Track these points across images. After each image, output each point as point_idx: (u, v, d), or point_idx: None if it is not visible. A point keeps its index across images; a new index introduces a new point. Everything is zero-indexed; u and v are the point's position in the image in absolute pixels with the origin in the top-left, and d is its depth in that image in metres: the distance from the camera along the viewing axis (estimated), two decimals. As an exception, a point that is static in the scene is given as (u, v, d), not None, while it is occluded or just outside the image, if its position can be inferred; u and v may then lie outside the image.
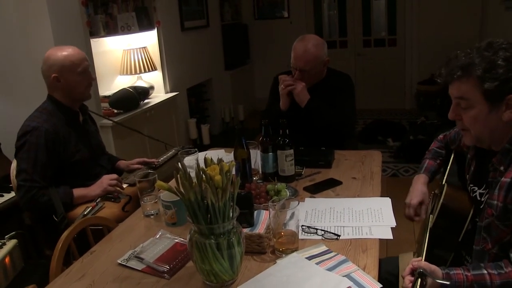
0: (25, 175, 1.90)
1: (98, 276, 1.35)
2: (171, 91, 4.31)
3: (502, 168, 1.22)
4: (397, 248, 1.82)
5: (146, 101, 3.86)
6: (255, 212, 1.48)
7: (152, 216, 1.72)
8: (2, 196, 2.42)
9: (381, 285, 1.19)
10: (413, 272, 1.19)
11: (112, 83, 3.94)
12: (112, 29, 3.60)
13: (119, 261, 1.40)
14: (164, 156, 2.38)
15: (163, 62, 4.23)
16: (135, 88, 3.63)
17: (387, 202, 1.67)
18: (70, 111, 2.08)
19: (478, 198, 1.34)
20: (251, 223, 1.44)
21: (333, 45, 6.35)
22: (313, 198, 1.77)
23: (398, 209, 1.63)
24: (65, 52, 2.00)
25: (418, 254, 1.40)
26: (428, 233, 1.37)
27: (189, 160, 1.84)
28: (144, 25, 3.95)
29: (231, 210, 1.19)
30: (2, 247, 1.83)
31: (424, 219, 1.53)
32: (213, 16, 5.36)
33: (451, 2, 5.68)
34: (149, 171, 1.99)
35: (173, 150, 2.47)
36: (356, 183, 1.88)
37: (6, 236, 1.92)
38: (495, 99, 1.17)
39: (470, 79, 1.19)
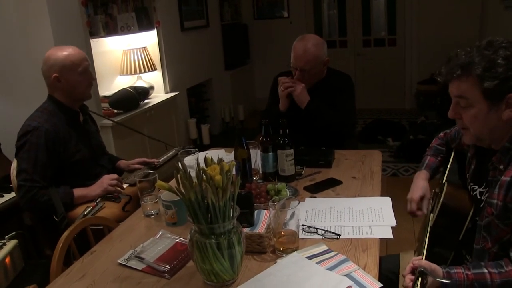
0: (25, 175, 1.90)
1: (99, 276, 1.35)
2: (171, 91, 4.31)
3: (502, 167, 1.22)
4: (397, 247, 1.82)
5: (146, 101, 3.86)
6: (256, 212, 1.48)
7: (152, 216, 1.72)
8: (2, 196, 2.42)
9: (381, 285, 1.19)
10: (413, 271, 1.20)
11: (112, 83, 3.94)
12: (112, 29, 3.60)
13: (119, 261, 1.40)
14: (165, 156, 2.38)
15: (163, 62, 4.23)
16: (135, 88, 3.63)
17: (387, 201, 1.67)
18: (71, 111, 2.08)
19: (478, 197, 1.34)
20: (251, 223, 1.44)
21: (332, 45, 6.35)
22: (313, 198, 1.77)
23: (398, 208, 1.63)
24: (66, 52, 2.00)
25: (418, 252, 1.40)
26: (428, 232, 1.37)
27: (189, 160, 1.84)
28: (144, 25, 3.95)
29: (231, 210, 1.19)
30: (3, 247, 1.83)
31: (426, 213, 1.53)
32: (213, 16, 5.36)
33: (451, 1, 5.68)
34: (150, 171, 1.99)
35: (174, 150, 2.47)
36: (356, 183, 1.88)
37: (6, 236, 1.91)
38: (494, 98, 1.17)
39: (469, 78, 1.19)
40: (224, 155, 2.22)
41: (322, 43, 2.32)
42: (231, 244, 1.19)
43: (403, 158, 4.44)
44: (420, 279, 1.13)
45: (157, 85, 4.18)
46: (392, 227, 1.49)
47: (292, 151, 1.87)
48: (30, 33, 2.86)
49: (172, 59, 4.33)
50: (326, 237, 1.45)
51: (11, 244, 1.86)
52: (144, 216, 1.73)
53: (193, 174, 1.18)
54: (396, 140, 4.86)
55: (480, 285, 1.15)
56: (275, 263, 1.33)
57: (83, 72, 2.03)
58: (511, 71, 1.15)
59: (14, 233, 1.97)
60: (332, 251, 1.35)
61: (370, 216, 1.57)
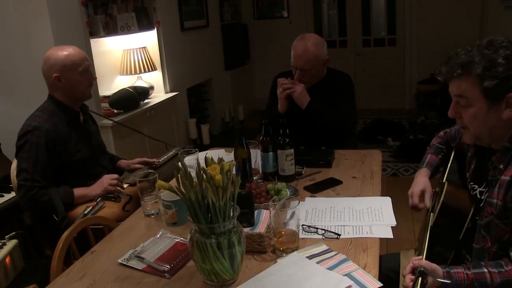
0: (25, 175, 1.91)
1: (99, 276, 1.35)
2: (171, 91, 4.31)
3: (501, 166, 1.22)
4: (397, 247, 1.82)
5: (146, 101, 3.86)
6: (256, 212, 1.49)
7: (152, 216, 1.72)
8: (2, 196, 2.42)
9: (382, 284, 1.19)
10: (413, 271, 1.20)
11: (112, 83, 3.94)
12: (112, 29, 3.60)
13: (119, 261, 1.40)
14: (165, 156, 2.38)
15: (163, 62, 4.23)
16: (135, 88, 3.63)
17: (387, 201, 1.67)
18: (71, 111, 2.08)
19: (478, 196, 1.34)
20: (251, 223, 1.44)
21: (332, 44, 6.35)
22: (314, 198, 1.77)
23: (398, 208, 1.63)
24: (66, 51, 2.00)
25: (419, 252, 1.40)
26: (428, 231, 1.37)
27: (189, 160, 1.84)
28: (144, 25, 3.95)
29: (231, 210, 1.19)
30: (3, 247, 1.83)
31: (428, 206, 1.53)
32: (212, 16, 5.36)
33: (451, 1, 5.68)
34: (150, 170, 1.99)
35: (174, 150, 2.47)
36: (356, 183, 1.88)
37: (6, 236, 1.91)
38: (494, 97, 1.17)
39: (470, 77, 1.19)
40: (224, 155, 2.22)
41: (322, 42, 2.32)
42: (231, 244, 1.19)
43: (403, 158, 4.44)
44: (420, 279, 1.13)
45: (157, 85, 4.18)
46: (392, 227, 1.49)
47: (292, 151, 1.88)
48: (30, 33, 2.86)
49: (172, 59, 4.33)
50: (326, 237, 1.45)
51: (11, 244, 1.86)
52: (144, 216, 1.73)
53: (193, 173, 1.18)
54: (396, 140, 4.86)
55: (480, 284, 1.15)
56: (275, 262, 1.33)
57: (83, 72, 2.03)
58: (511, 71, 1.15)
59: (14, 233, 1.97)
60: (332, 251, 1.35)
61: (370, 215, 1.57)
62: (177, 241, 1.47)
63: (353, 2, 6.22)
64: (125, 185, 2.11)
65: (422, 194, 1.56)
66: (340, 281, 1.20)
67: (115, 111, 3.44)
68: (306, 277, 1.23)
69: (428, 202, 1.54)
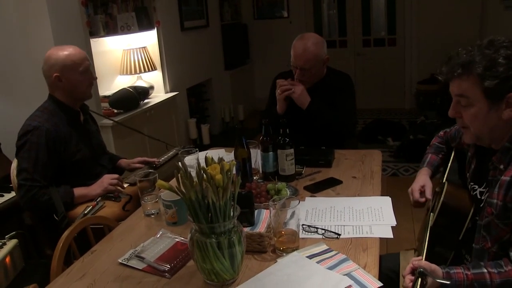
0: (25, 174, 1.91)
1: (99, 276, 1.35)
2: (171, 91, 4.31)
3: (502, 166, 1.22)
4: (398, 247, 1.82)
5: (146, 101, 3.86)
6: (256, 211, 1.49)
7: (152, 216, 1.72)
8: (2, 196, 2.42)
9: (382, 284, 1.19)
10: (413, 271, 1.20)
11: (112, 83, 3.94)
12: (112, 29, 3.60)
13: (120, 261, 1.40)
14: (165, 156, 2.39)
15: (163, 62, 4.23)
16: (135, 88, 3.63)
17: (387, 201, 1.67)
18: (71, 110, 2.08)
19: (479, 197, 1.34)
20: (251, 222, 1.44)
21: (332, 44, 6.35)
22: (314, 197, 1.77)
23: (398, 208, 1.63)
24: (66, 51, 2.00)
25: (419, 252, 1.40)
26: (428, 231, 1.37)
27: (189, 160, 1.84)
28: (144, 25, 3.95)
29: (231, 209, 1.19)
30: (3, 247, 1.83)
31: (430, 199, 1.53)
32: (212, 16, 5.36)
33: (451, 1, 5.68)
34: (150, 170, 1.99)
35: (174, 150, 2.47)
36: (356, 182, 1.88)
37: (6, 236, 1.91)
38: (495, 97, 1.18)
39: (470, 77, 1.19)
40: (224, 154, 2.22)
41: (322, 42, 2.32)
42: (231, 244, 1.19)
43: (403, 158, 4.44)
44: (419, 279, 1.13)
45: (157, 85, 4.18)
46: (392, 227, 1.49)
47: (292, 150, 1.88)
48: (30, 33, 2.86)
49: (172, 59, 4.33)
50: (326, 237, 1.45)
51: (11, 243, 1.86)
52: (145, 216, 1.73)
53: (193, 173, 1.18)
54: (396, 140, 4.86)
55: (480, 285, 1.15)
56: (275, 262, 1.33)
57: (84, 72, 2.03)
58: (512, 71, 1.15)
59: (14, 232, 1.97)
60: (332, 251, 1.35)
61: (370, 215, 1.57)
62: (177, 241, 1.47)
63: (353, 2, 6.22)
64: (125, 185, 2.11)
65: (422, 190, 1.56)
66: (340, 281, 1.20)
67: (115, 111, 3.44)
68: (306, 276, 1.23)
69: (429, 195, 1.54)
